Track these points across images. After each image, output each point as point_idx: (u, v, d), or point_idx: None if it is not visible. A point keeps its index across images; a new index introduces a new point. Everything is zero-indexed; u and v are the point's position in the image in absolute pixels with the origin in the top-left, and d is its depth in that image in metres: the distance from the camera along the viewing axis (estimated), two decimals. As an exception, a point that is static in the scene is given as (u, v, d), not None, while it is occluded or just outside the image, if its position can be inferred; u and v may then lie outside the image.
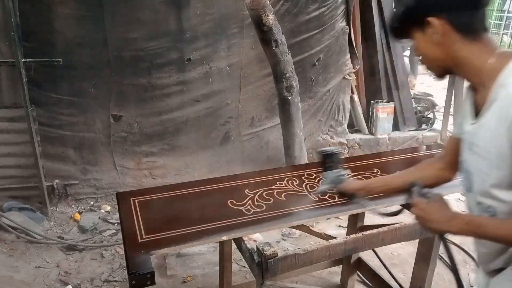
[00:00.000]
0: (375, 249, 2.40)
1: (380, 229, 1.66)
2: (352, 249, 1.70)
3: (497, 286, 1.15)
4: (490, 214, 1.09)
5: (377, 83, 4.46)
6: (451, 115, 4.62)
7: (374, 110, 4.35)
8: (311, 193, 1.82)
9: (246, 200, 1.73)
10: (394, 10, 1.16)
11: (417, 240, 1.94)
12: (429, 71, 1.19)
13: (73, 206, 3.56)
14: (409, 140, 4.51)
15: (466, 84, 1.18)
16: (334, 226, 3.30)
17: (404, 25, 1.15)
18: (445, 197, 1.17)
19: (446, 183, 1.38)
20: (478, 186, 1.10)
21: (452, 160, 1.31)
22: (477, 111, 1.09)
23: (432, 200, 1.15)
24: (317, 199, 1.77)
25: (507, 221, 1.03)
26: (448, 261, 1.20)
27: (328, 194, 1.78)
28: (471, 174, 1.12)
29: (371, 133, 4.46)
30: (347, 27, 4.07)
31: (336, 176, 1.57)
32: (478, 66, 1.06)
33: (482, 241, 1.13)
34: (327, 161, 1.59)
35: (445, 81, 4.79)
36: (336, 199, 1.76)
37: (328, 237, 1.85)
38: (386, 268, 2.56)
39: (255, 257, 1.47)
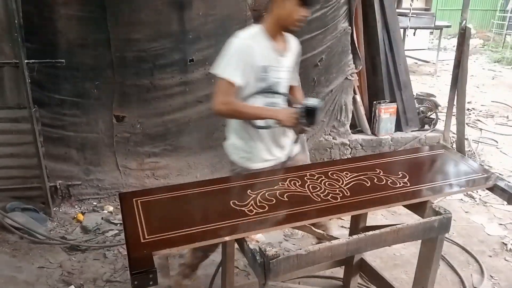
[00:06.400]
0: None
1: (382, 230, 1.66)
2: (355, 250, 1.70)
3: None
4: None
5: (379, 83, 4.46)
6: (454, 115, 4.61)
7: (377, 111, 4.35)
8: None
9: (248, 201, 1.72)
10: None
11: (419, 241, 1.93)
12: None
13: (76, 206, 3.57)
14: (412, 141, 4.50)
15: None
16: (337, 227, 3.29)
17: None
18: None
19: None
20: (284, 87, 2.15)
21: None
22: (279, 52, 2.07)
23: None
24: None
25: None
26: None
27: (330, 195, 1.78)
28: (280, 82, 2.10)
29: (373, 133, 4.45)
30: (350, 27, 4.06)
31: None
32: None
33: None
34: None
35: (448, 81, 4.77)
36: (339, 199, 1.76)
37: (331, 237, 1.85)
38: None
39: (257, 258, 1.47)
